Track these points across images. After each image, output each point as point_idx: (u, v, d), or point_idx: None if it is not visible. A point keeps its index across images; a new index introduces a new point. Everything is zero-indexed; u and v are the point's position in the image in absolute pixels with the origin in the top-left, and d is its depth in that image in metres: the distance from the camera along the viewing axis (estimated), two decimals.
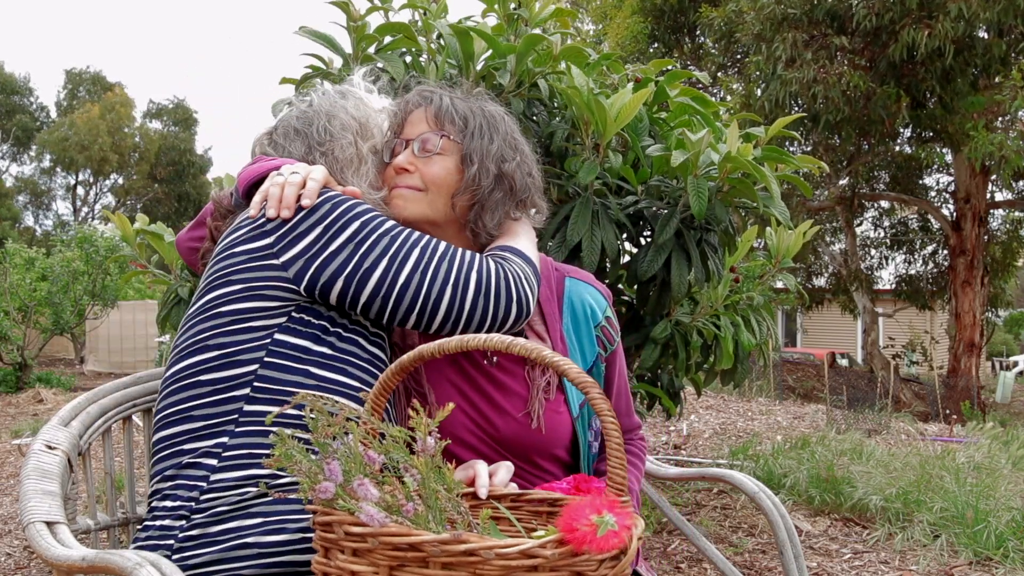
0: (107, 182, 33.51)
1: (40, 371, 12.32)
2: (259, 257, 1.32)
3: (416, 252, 1.35)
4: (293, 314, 1.32)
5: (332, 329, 1.34)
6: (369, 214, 1.36)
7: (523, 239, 1.53)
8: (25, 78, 34.17)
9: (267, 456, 1.20)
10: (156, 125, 33.28)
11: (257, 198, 1.38)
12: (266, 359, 1.28)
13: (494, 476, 1.33)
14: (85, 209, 33.78)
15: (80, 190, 33.73)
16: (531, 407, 1.48)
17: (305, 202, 1.33)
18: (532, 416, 1.48)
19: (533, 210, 1.60)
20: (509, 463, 1.39)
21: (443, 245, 1.38)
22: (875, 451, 5.24)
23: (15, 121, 32.04)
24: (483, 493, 1.25)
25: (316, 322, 1.33)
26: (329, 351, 1.33)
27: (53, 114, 33.39)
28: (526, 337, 1.52)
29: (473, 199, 1.50)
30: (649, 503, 3.05)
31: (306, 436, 1.06)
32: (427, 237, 1.39)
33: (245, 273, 1.32)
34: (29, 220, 33.70)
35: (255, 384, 1.27)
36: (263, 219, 1.35)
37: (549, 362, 1.05)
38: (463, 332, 1.38)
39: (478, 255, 1.41)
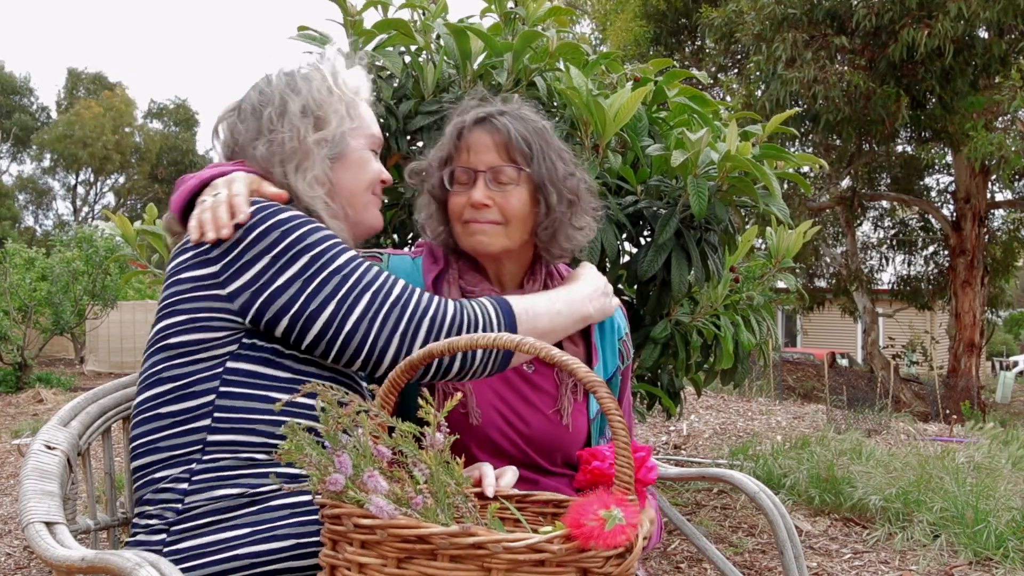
0: (108, 182, 33.55)
1: (40, 371, 12.31)
2: (205, 286, 1.27)
3: (367, 297, 1.27)
4: (243, 340, 1.28)
5: (287, 352, 1.29)
6: (321, 245, 1.27)
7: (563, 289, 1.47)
8: (25, 78, 34.25)
9: (237, 478, 1.21)
10: (157, 125, 33.31)
11: (192, 224, 1.33)
12: (221, 388, 1.25)
13: (500, 479, 1.33)
14: (85, 209, 33.81)
15: (80, 190, 33.76)
16: (560, 404, 1.55)
17: (241, 217, 1.26)
18: (562, 413, 1.55)
19: (589, 218, 1.61)
20: (515, 468, 1.39)
21: (399, 287, 1.30)
22: (875, 451, 5.24)
23: (15, 120, 32.05)
24: (490, 492, 1.26)
25: (268, 345, 1.28)
26: (286, 374, 1.28)
27: (54, 114, 33.41)
28: (560, 342, 1.59)
29: (552, 225, 1.53)
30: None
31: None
32: (383, 276, 1.30)
33: (190, 303, 1.28)
34: (29, 220, 33.73)
35: (215, 415, 1.24)
36: (207, 244, 1.28)
37: (558, 361, 1.05)
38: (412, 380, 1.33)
39: (438, 299, 1.32)
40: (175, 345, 1.28)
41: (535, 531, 1.20)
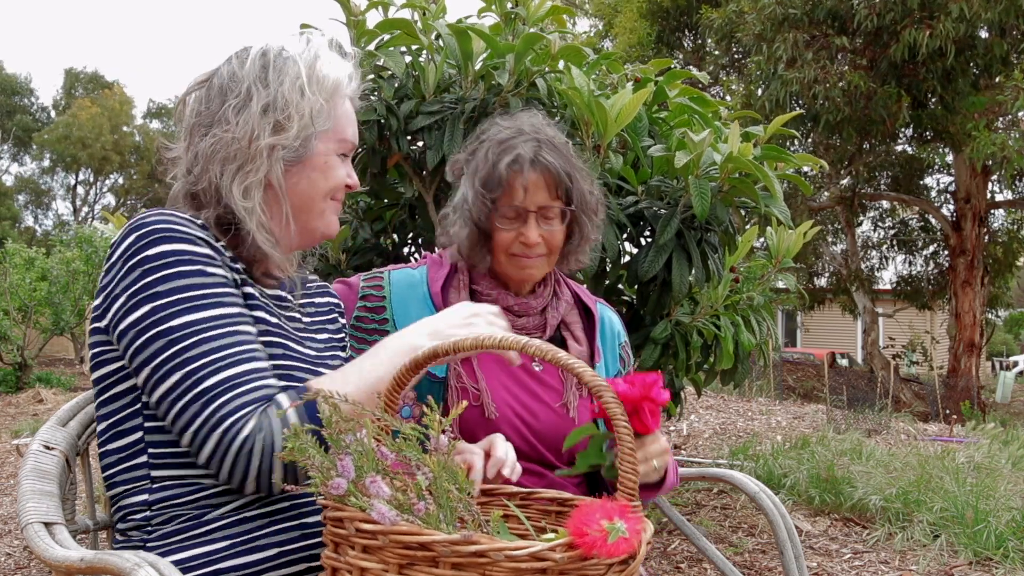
0: (107, 182, 33.56)
1: (40, 371, 12.31)
2: (96, 317, 1.23)
3: (175, 377, 1.13)
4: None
5: None
6: (168, 297, 1.15)
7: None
8: (26, 78, 34.24)
9: (191, 503, 1.18)
10: (157, 125, 33.29)
11: None
12: (147, 424, 1.20)
13: (494, 452, 1.33)
14: (85, 209, 33.81)
15: (80, 190, 33.77)
16: (566, 398, 1.62)
17: None
18: (568, 407, 1.61)
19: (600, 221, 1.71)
20: (503, 438, 1.39)
21: (215, 378, 1.13)
22: (875, 451, 5.24)
23: (15, 121, 32.06)
24: (476, 491, 1.25)
25: None
26: None
27: (53, 114, 33.42)
28: (565, 342, 1.68)
29: (581, 245, 1.65)
30: (649, 503, 3.04)
31: None
32: (211, 356, 1.15)
33: (91, 336, 1.23)
34: (29, 220, 33.74)
35: (149, 451, 1.20)
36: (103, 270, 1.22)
37: (564, 364, 1.05)
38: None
39: (248, 409, 1.14)
40: (96, 381, 1.24)
41: (538, 532, 1.20)
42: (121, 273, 1.18)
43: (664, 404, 1.33)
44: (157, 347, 1.14)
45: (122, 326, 1.17)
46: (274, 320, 1.29)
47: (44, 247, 15.89)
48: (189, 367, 1.14)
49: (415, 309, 1.61)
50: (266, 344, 1.24)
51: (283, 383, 1.20)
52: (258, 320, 1.25)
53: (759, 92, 12.17)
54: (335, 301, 1.51)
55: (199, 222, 1.24)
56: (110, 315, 1.19)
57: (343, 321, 1.51)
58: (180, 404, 1.13)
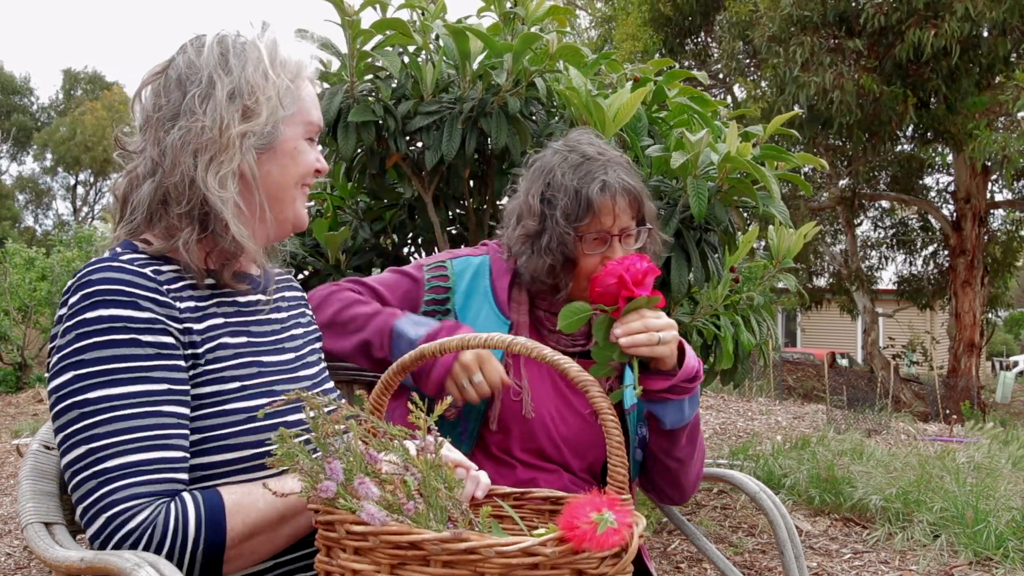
0: (107, 182, 33.52)
1: (40, 371, 12.31)
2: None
3: (79, 451, 1.09)
4: None
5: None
6: (89, 367, 1.12)
7: None
8: (25, 78, 34.26)
9: None
10: None
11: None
12: None
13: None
14: (85, 209, 33.81)
15: (80, 190, 33.77)
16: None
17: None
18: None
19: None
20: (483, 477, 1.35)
21: (117, 460, 1.09)
22: (875, 451, 5.24)
23: (14, 121, 32.06)
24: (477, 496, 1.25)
25: None
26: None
27: (53, 114, 33.41)
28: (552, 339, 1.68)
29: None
30: (649, 503, 3.04)
31: None
32: (120, 437, 1.10)
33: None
34: (29, 220, 33.74)
35: None
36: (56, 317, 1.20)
37: (550, 360, 1.05)
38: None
39: (147, 499, 1.08)
40: None
41: (532, 529, 1.21)
42: (60, 331, 1.16)
43: (659, 274, 1.44)
44: (70, 417, 1.11)
45: (50, 386, 1.15)
46: (242, 340, 1.25)
47: (44, 247, 15.88)
48: (94, 444, 1.09)
49: (476, 302, 1.65)
50: (238, 366, 1.22)
51: (187, 487, 1.14)
52: (223, 347, 1.22)
53: (773, 95, 12.13)
54: (300, 294, 1.48)
55: (150, 270, 1.18)
56: (48, 371, 1.17)
57: (311, 313, 1.48)
58: (78, 478, 1.09)
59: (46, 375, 1.18)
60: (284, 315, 1.37)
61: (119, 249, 1.22)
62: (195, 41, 1.27)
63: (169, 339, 1.16)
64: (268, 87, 1.24)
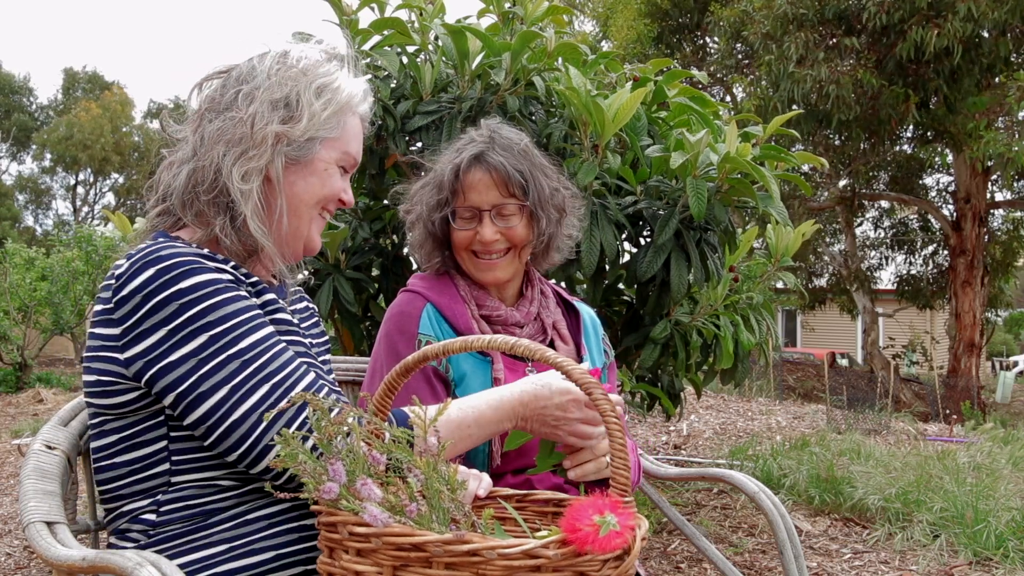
0: (107, 181, 33.55)
1: (40, 371, 12.32)
2: (108, 347, 1.21)
3: (265, 388, 1.17)
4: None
5: None
6: (223, 324, 1.18)
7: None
8: (25, 78, 34.24)
9: (205, 504, 1.19)
10: (157, 125, 33.18)
11: None
12: (172, 434, 1.21)
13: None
14: (85, 209, 33.80)
15: (80, 189, 33.76)
16: None
17: None
18: None
19: (575, 220, 1.73)
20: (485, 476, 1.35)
21: (305, 381, 1.21)
22: (875, 451, 5.23)
23: (14, 120, 32.06)
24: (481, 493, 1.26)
25: None
26: None
27: (52, 114, 33.41)
28: (553, 343, 1.69)
29: (546, 241, 1.65)
30: (649, 503, 3.05)
31: None
32: (291, 366, 1.21)
33: (98, 363, 1.22)
34: (29, 220, 33.72)
35: (172, 459, 1.21)
36: (111, 301, 1.20)
37: (553, 362, 1.05)
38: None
39: (335, 399, 1.22)
40: (95, 406, 1.24)
41: (534, 532, 1.20)
42: (151, 308, 1.17)
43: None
44: (231, 369, 1.16)
45: (172, 357, 1.16)
46: (287, 316, 1.32)
47: (44, 247, 15.88)
48: (276, 377, 1.18)
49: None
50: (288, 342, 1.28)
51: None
52: (274, 322, 1.28)
53: (770, 92, 12.13)
54: (312, 305, 1.54)
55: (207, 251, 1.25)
56: (139, 349, 1.18)
57: (322, 326, 1.54)
58: (263, 416, 1.15)
59: (120, 355, 1.19)
60: (296, 318, 1.41)
61: (161, 240, 1.26)
62: (262, 52, 1.35)
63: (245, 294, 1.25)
64: (316, 105, 1.30)
